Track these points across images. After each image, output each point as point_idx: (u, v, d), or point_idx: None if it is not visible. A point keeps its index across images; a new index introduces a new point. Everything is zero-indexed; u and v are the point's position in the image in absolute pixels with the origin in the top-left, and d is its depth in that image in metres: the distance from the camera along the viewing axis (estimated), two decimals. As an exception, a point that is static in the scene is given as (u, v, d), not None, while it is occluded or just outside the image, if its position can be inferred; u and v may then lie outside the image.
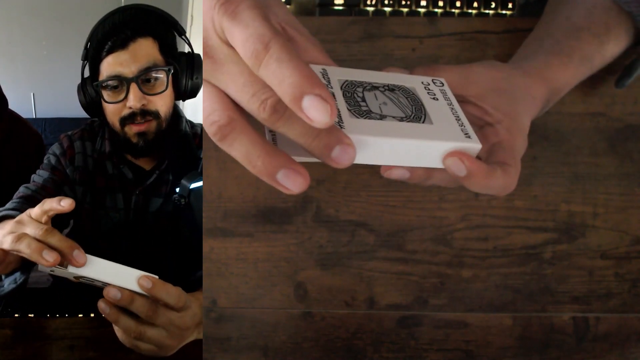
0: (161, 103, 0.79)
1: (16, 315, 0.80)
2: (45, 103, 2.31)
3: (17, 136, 0.94)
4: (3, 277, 0.72)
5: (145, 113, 0.77)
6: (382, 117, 0.35)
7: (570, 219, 0.57)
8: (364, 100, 0.36)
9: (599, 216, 0.57)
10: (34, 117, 2.31)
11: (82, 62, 0.81)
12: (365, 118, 0.34)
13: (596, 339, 0.58)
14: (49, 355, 0.63)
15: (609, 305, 0.58)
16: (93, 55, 0.78)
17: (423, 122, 0.36)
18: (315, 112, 0.28)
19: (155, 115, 0.78)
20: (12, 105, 0.97)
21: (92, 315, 0.75)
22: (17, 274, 0.70)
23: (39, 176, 0.82)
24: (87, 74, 0.82)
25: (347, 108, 0.34)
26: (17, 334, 0.64)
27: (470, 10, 0.65)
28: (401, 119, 0.36)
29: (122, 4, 0.81)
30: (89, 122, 0.87)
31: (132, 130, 0.78)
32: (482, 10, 0.64)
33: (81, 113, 0.85)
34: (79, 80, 0.83)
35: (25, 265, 0.66)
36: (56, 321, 0.66)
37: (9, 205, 0.74)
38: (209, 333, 0.58)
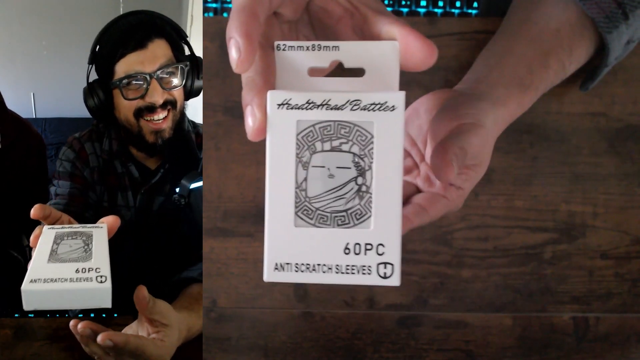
0: (177, 98, 0.82)
1: (16, 315, 0.80)
2: (45, 103, 2.30)
3: (21, 139, 0.95)
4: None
5: (165, 103, 0.80)
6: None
7: (570, 219, 0.57)
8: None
9: (599, 216, 0.57)
10: (34, 117, 2.30)
11: (88, 66, 0.82)
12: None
13: (596, 339, 0.58)
14: (49, 355, 0.63)
15: (609, 305, 0.57)
16: (106, 56, 0.80)
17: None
18: (231, 52, 0.29)
19: (173, 104, 0.81)
20: (12, 106, 0.97)
21: (92, 315, 0.75)
22: None
23: (62, 188, 0.84)
24: (91, 77, 0.83)
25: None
26: (17, 334, 0.65)
27: (470, 10, 0.65)
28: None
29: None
30: (94, 124, 0.88)
31: (149, 127, 0.80)
32: (482, 10, 0.64)
33: (81, 113, 0.85)
34: (80, 81, 0.83)
35: None
36: (56, 321, 0.66)
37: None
38: (209, 333, 0.58)
